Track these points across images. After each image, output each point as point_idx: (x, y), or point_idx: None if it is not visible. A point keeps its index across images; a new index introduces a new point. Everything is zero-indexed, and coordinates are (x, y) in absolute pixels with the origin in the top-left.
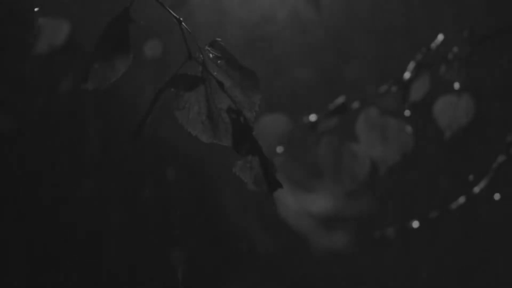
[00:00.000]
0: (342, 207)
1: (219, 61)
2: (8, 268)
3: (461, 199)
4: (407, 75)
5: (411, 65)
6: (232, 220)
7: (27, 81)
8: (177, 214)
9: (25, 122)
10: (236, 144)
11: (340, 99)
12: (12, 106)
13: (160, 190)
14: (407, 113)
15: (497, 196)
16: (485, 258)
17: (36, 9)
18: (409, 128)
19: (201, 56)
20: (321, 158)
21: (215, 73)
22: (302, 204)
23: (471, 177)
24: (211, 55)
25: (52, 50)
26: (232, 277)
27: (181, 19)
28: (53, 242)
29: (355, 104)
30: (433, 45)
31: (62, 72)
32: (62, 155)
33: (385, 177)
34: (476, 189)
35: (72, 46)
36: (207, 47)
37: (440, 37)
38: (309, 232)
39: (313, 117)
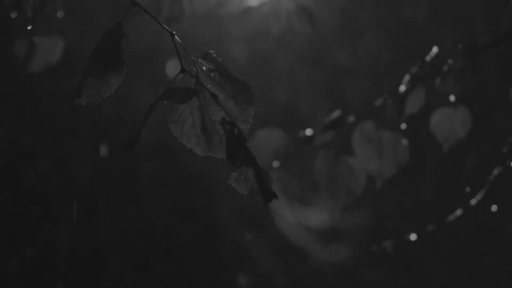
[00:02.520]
0: (339, 220)
1: (212, 74)
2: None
3: (458, 211)
4: (402, 88)
5: (406, 78)
6: (230, 233)
7: (22, 98)
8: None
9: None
10: (230, 156)
11: (336, 113)
12: (9, 123)
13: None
14: (403, 126)
15: (494, 208)
16: (484, 270)
17: (29, 27)
18: (405, 141)
19: (194, 69)
20: (317, 172)
21: (208, 86)
22: (299, 218)
23: (468, 189)
24: (204, 68)
25: (47, 68)
26: None
27: (174, 32)
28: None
29: (351, 118)
30: (428, 57)
31: (57, 89)
32: (58, 168)
33: (382, 190)
34: (473, 201)
35: (66, 64)
36: (200, 60)
37: (435, 49)
38: (307, 245)
39: (309, 131)
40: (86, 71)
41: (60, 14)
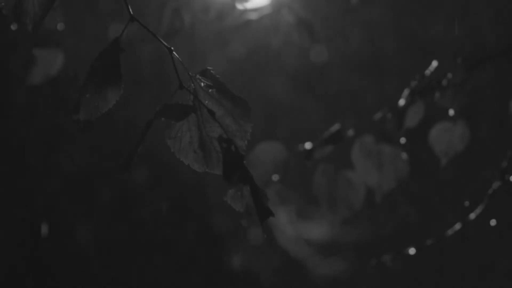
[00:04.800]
0: (338, 234)
1: (210, 90)
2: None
3: (457, 225)
4: (401, 102)
5: (406, 92)
6: (229, 246)
7: (22, 110)
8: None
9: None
10: (227, 173)
11: (335, 127)
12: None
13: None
14: (402, 140)
15: (493, 222)
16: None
17: (29, 40)
18: (404, 155)
19: (192, 85)
20: (317, 186)
21: (206, 102)
22: (299, 231)
23: (466, 203)
24: (202, 84)
25: (47, 80)
26: None
27: (172, 48)
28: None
29: (350, 132)
30: (427, 71)
31: (56, 102)
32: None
33: (381, 204)
34: (472, 215)
35: (66, 76)
36: (198, 76)
37: (434, 63)
38: (306, 259)
39: (308, 145)
40: (83, 87)
41: (60, 26)
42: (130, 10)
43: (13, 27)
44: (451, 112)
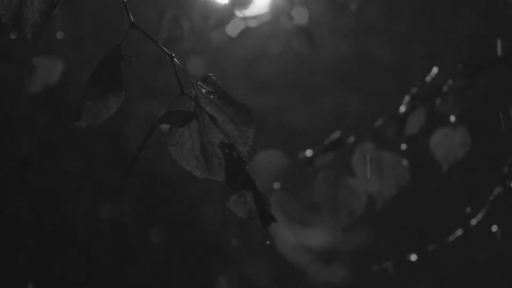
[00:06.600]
0: (339, 240)
1: (211, 96)
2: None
3: (459, 231)
4: (402, 108)
5: (406, 98)
6: (230, 252)
7: (22, 118)
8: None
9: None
10: (229, 179)
11: (336, 134)
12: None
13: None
14: (403, 146)
15: (494, 228)
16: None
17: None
18: (405, 162)
19: (193, 91)
20: (318, 193)
21: (207, 108)
22: (299, 238)
23: (468, 209)
24: (203, 90)
25: (46, 89)
26: None
27: (173, 55)
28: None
29: (351, 139)
30: (428, 78)
31: (57, 110)
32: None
33: (382, 211)
34: (473, 221)
35: (66, 85)
36: (199, 82)
37: (435, 70)
38: (307, 266)
39: (309, 153)
40: (85, 94)
41: (59, 35)
42: (131, 17)
43: (13, 35)
44: (452, 118)
